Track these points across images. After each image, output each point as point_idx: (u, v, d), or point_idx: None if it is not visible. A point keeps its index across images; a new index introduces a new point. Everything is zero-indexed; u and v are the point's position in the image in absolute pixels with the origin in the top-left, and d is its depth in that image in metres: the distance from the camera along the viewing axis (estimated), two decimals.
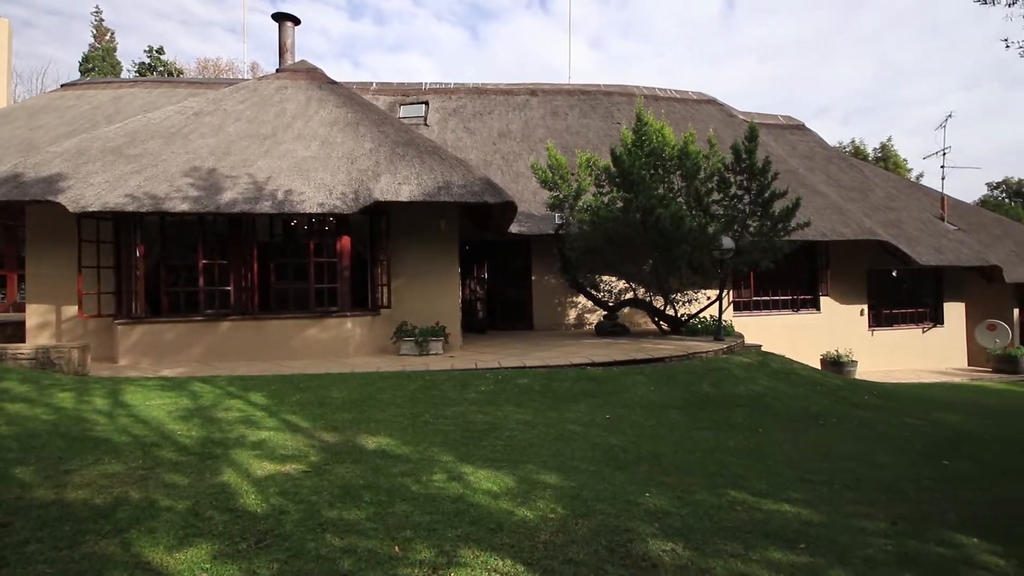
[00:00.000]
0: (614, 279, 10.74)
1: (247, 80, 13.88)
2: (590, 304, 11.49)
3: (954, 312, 14.20)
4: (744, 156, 9.09)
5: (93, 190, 7.27)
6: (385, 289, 8.39)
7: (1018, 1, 6.66)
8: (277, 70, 10.84)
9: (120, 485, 3.15)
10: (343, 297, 8.03)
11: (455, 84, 15.33)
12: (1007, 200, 32.73)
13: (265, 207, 7.41)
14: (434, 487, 3.30)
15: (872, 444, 5.07)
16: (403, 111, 14.12)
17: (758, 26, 74.15)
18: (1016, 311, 14.44)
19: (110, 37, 27.84)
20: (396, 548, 2.53)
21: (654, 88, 16.13)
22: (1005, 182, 34.31)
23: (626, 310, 11.06)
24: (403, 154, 8.35)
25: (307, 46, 48.22)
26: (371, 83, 15.15)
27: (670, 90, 16.31)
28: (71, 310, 7.83)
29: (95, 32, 27.62)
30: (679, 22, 73.53)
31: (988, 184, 35.18)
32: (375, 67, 59.68)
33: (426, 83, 15.35)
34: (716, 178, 9.44)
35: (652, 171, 9.32)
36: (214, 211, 7.35)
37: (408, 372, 6.51)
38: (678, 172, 9.59)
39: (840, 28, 73.67)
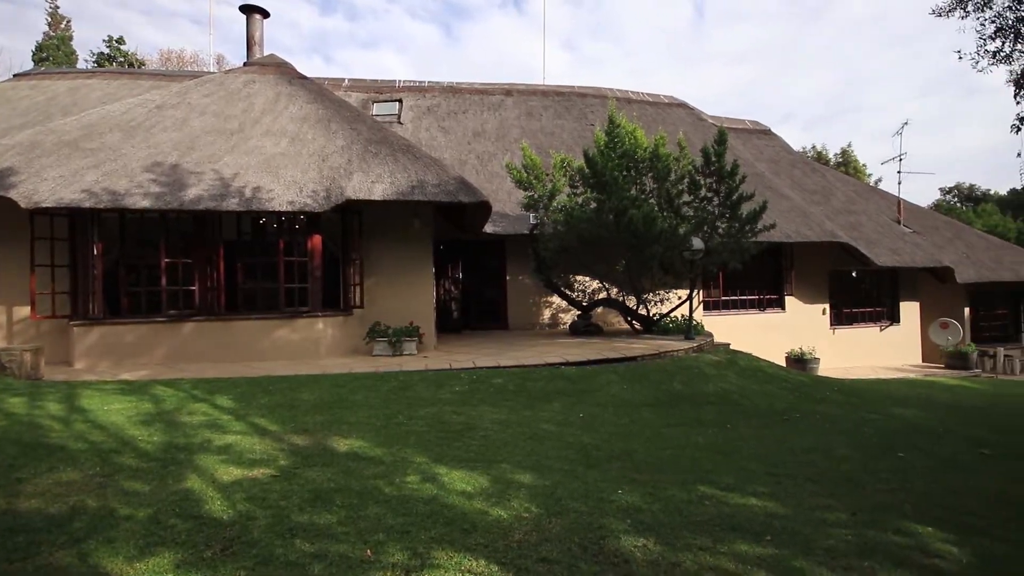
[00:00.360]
0: (588, 279, 10.85)
1: (213, 73, 13.46)
2: (564, 304, 11.57)
3: (909, 311, 14.88)
4: (713, 159, 9.31)
5: (47, 185, 6.94)
6: (358, 289, 8.26)
7: (969, 15, 7.03)
8: (245, 63, 10.56)
9: (76, 493, 3.01)
10: (314, 297, 7.87)
11: (429, 82, 15.22)
12: (959, 204, 34.47)
13: (232, 204, 7.20)
14: (407, 489, 3.27)
15: (833, 438, 5.26)
16: (376, 109, 13.93)
17: (726, 32, 76.03)
18: (967, 310, 15.21)
19: (66, 25, 26.62)
20: (368, 551, 2.50)
21: (627, 91, 16.36)
22: (957, 187, 36.13)
23: (599, 310, 11.19)
24: (376, 152, 8.24)
25: (276, 40, 47.14)
26: (343, 79, 14.90)
27: (642, 93, 16.56)
28: (24, 311, 7.46)
29: (50, 20, 26.37)
30: (650, 26, 74.79)
31: (941, 189, 36.99)
32: (347, 63, 58.80)
33: (400, 80, 15.18)
34: (687, 180, 9.64)
35: (625, 173, 9.45)
36: (177, 208, 7.11)
37: (381, 373, 6.43)
38: (650, 174, 9.75)
39: (803, 37, 76.17)
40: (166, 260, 7.55)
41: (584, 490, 3.39)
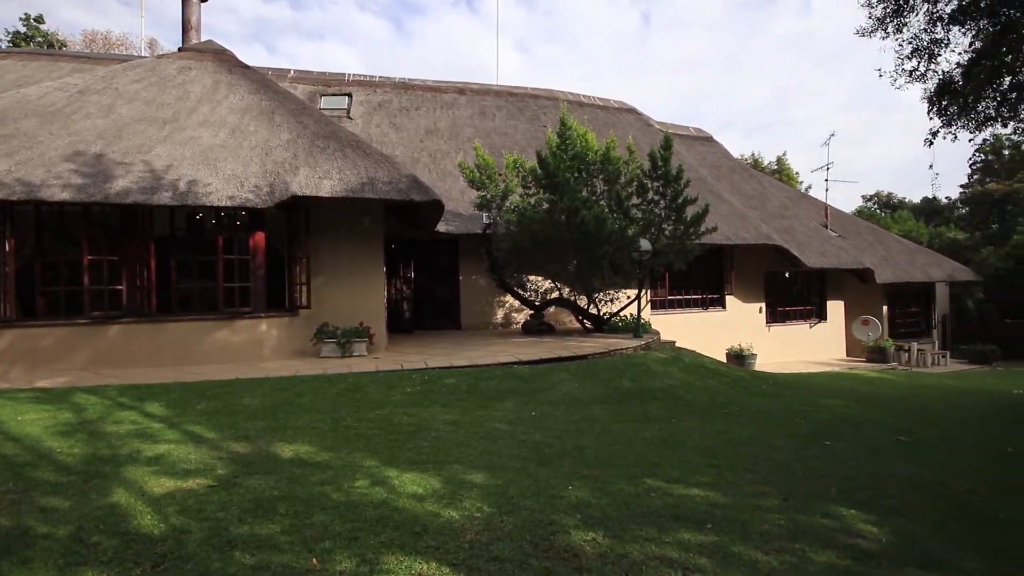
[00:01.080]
0: (540, 279, 10.97)
1: (144, 58, 12.59)
2: (517, 303, 11.64)
3: (835, 309, 16.03)
4: (660, 164, 9.64)
5: None
6: (304, 288, 7.97)
7: (889, 36, 7.65)
8: (180, 49, 9.94)
9: None
10: (257, 297, 7.52)
11: (380, 77, 14.88)
12: (878, 210, 37.37)
13: (164, 198, 6.76)
14: (356, 494, 3.18)
15: (768, 429, 5.58)
16: (324, 102, 13.48)
17: (671, 41, 78.91)
18: (885, 308, 16.54)
19: None
20: (314, 561, 2.42)
21: (578, 94, 16.66)
22: (877, 195, 39.16)
23: (552, 309, 11.33)
24: (324, 147, 7.98)
25: (215, 26, 44.63)
26: (289, 70, 14.31)
27: (593, 97, 16.92)
28: None
29: None
30: (600, 33, 76.49)
31: (863, 196, 39.99)
32: (292, 54, 56.53)
33: (349, 74, 14.75)
34: (635, 183, 9.94)
35: (576, 174, 9.62)
36: (102, 201, 6.60)
37: (329, 375, 6.23)
38: (600, 176, 9.98)
39: (742, 50, 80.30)
40: (89, 257, 6.99)
41: (536, 487, 3.42)
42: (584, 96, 16.73)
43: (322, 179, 7.47)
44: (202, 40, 10.17)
